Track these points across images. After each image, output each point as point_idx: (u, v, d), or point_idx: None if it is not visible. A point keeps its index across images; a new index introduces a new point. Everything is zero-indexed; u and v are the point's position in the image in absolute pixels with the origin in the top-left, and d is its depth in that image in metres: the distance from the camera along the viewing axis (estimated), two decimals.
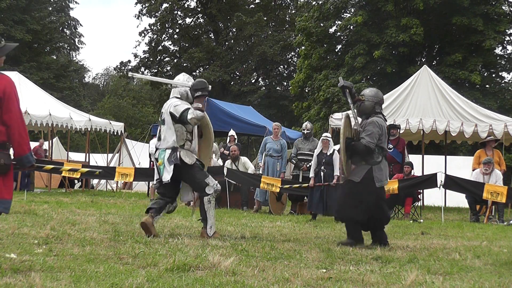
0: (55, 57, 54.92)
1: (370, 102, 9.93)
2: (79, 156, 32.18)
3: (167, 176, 9.80)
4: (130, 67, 56.66)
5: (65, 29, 61.63)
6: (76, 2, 62.28)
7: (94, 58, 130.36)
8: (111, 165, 25.67)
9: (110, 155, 27.71)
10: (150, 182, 20.62)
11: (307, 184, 15.34)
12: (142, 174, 19.36)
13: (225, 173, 16.99)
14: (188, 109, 9.83)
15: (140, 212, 13.66)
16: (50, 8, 57.88)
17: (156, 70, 56.23)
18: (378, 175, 9.64)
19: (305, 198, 17.18)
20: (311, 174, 15.05)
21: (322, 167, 14.62)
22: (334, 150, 14.68)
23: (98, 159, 27.40)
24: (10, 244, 8.06)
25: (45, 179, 23.84)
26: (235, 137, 19.67)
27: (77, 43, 63.49)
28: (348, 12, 40.05)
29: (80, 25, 63.34)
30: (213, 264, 6.98)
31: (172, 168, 9.77)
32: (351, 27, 37.59)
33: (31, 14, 49.53)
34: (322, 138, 15.07)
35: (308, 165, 16.69)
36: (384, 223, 9.90)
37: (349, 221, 9.76)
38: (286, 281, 6.41)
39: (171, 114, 9.91)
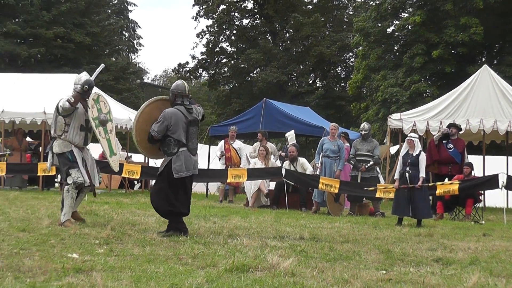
0: (114, 59, 55.52)
1: (171, 95, 10.14)
2: (140, 158, 32.49)
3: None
4: (188, 69, 57.02)
5: (124, 31, 62.34)
6: (134, 5, 63.00)
7: (152, 59, 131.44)
8: None
9: None
10: (220, 184, 20.56)
11: (392, 186, 15.08)
12: (200, 175, 19.36)
13: (283, 174, 16.94)
14: (61, 99, 10.47)
15: (199, 213, 13.71)
16: (109, 11, 58.60)
17: (213, 71, 56.49)
18: (176, 167, 9.82)
19: (364, 199, 17.11)
20: (396, 176, 14.55)
21: (407, 168, 14.16)
22: (420, 151, 14.17)
23: (158, 160, 27.57)
24: (72, 244, 8.18)
25: (105, 180, 24.08)
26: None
27: (135, 45, 64.20)
28: (406, 12, 39.74)
29: (139, 27, 64.02)
30: (272, 265, 6.98)
31: (50, 156, 10.66)
32: (409, 27, 37.25)
33: (91, 17, 50.19)
34: (407, 138, 14.50)
35: (366, 166, 16.59)
36: (180, 215, 10.03)
37: (161, 214, 10.27)
38: (345, 282, 6.38)
39: (56, 107, 10.57)
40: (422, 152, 14.23)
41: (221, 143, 20.32)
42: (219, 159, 19.97)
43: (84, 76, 11.00)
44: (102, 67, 11.73)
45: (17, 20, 47.72)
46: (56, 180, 22.01)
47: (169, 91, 10.21)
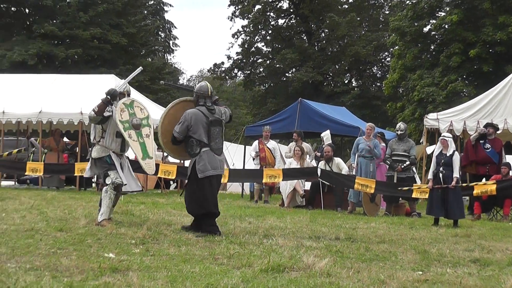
0: (150, 60, 55.73)
1: (195, 96, 10.26)
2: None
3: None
4: (223, 69, 57.17)
5: (160, 32, 62.58)
6: (170, 5, 63.15)
7: (188, 60, 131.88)
8: None
9: None
10: (255, 184, 20.52)
11: (425, 186, 14.99)
12: (235, 175, 19.42)
13: (319, 174, 16.92)
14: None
15: (234, 213, 13.72)
16: (145, 12, 58.83)
17: (249, 72, 56.54)
18: (200, 167, 9.93)
19: (400, 199, 17.00)
20: (430, 176, 14.44)
21: (441, 168, 14.05)
22: (454, 150, 14.05)
23: None
24: (108, 244, 8.24)
25: (142, 180, 24.18)
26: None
27: (171, 46, 64.38)
28: (443, 11, 39.43)
29: (175, 27, 64.19)
30: (308, 265, 6.98)
31: (89, 163, 10.94)
32: (446, 26, 36.93)
33: (127, 18, 50.39)
34: (440, 138, 14.40)
35: (402, 166, 16.48)
36: (211, 216, 10.13)
37: (194, 216, 10.28)
38: (381, 283, 6.36)
39: None
40: (456, 152, 14.10)
41: (255, 143, 20.30)
42: (253, 159, 19.97)
43: (114, 85, 11.35)
44: (140, 70, 11.77)
45: (54, 21, 48.11)
46: (93, 180, 22.16)
47: (193, 92, 10.31)
